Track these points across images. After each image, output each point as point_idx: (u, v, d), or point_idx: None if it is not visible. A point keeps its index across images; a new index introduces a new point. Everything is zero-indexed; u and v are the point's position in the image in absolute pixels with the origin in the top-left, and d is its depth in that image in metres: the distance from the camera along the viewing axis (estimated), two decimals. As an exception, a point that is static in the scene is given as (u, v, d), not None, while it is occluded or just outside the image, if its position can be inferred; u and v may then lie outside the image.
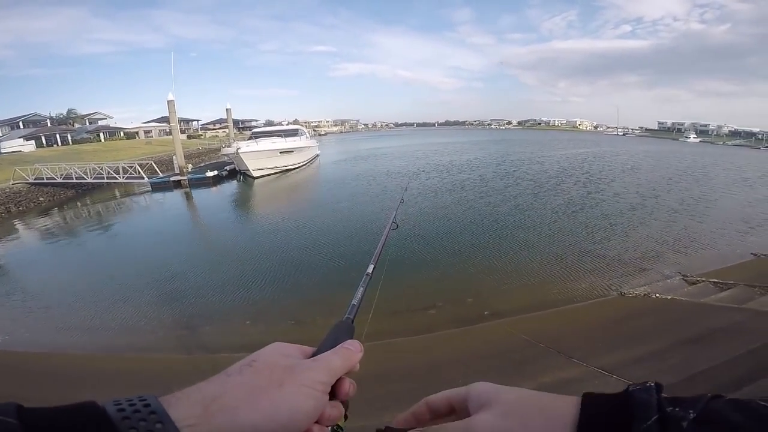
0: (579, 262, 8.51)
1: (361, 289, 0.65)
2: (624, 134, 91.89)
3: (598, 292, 7.01)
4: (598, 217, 12.40)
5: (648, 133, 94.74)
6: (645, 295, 6.26)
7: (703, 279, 6.78)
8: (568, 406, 0.37)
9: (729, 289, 6.18)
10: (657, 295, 6.15)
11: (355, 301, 0.60)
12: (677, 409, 0.33)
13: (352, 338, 0.51)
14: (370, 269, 0.72)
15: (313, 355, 0.47)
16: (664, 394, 0.35)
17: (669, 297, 6.01)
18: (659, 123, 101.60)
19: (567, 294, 6.99)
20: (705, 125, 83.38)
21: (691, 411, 0.32)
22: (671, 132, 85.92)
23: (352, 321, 0.55)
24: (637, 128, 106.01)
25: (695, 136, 70.97)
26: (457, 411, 0.46)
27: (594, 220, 12.06)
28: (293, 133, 28.41)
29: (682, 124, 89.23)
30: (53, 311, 7.49)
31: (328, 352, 0.46)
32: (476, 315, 6.30)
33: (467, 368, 4.25)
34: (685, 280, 7.00)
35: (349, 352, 0.47)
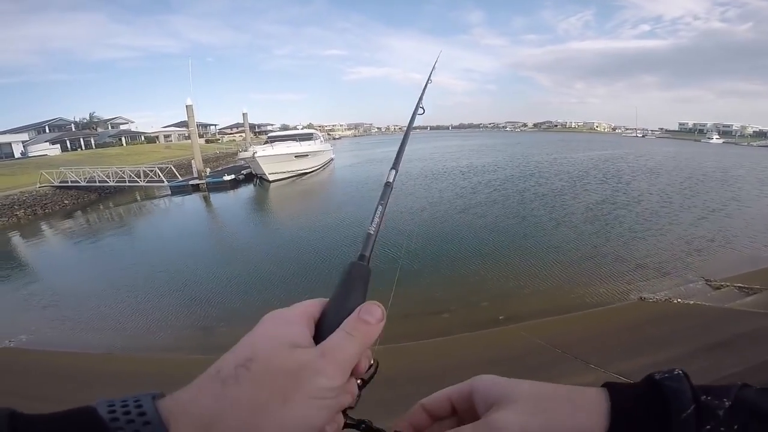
0: (598, 266, 8.35)
1: (380, 208, 0.49)
2: (644, 136, 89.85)
3: (616, 297, 6.86)
4: (619, 220, 12.14)
5: (668, 134, 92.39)
6: (666, 300, 6.11)
7: (728, 283, 6.58)
8: (596, 397, 0.35)
9: (755, 294, 5.98)
10: (679, 300, 6.00)
11: (371, 229, 0.46)
12: (710, 397, 0.32)
13: (367, 289, 0.41)
14: (390, 177, 0.54)
15: (323, 321, 0.39)
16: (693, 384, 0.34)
17: (691, 302, 5.86)
18: (680, 124, 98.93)
19: (585, 299, 6.86)
20: (728, 126, 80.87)
21: (725, 399, 0.31)
22: (693, 133, 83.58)
23: (368, 261, 0.43)
24: (657, 129, 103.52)
25: (718, 136, 68.85)
26: (459, 411, 0.41)
27: (615, 223, 11.82)
28: (308, 137, 28.72)
29: (704, 125, 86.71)
30: (75, 311, 7.72)
31: (340, 333, 0.37)
32: (491, 319, 6.24)
33: (479, 372, 4.18)
34: (709, 285, 6.81)
35: (366, 329, 0.38)
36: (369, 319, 0.38)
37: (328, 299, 0.41)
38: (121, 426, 0.30)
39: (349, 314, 0.38)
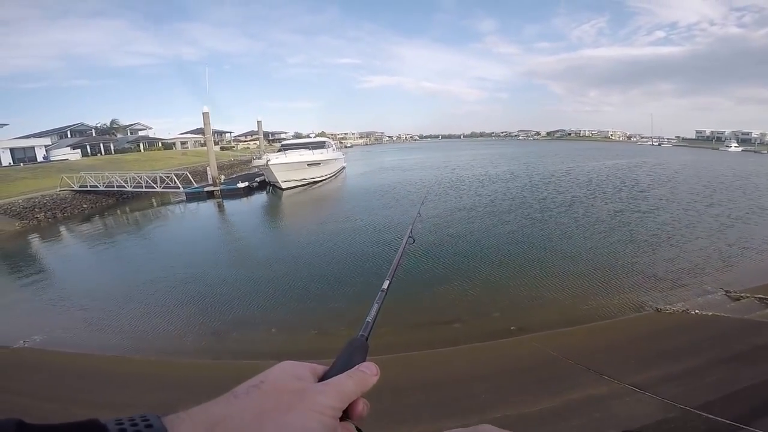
0: (613, 277, 8.21)
1: (376, 305, 0.61)
2: (659, 144, 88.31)
3: (632, 308, 6.73)
4: (635, 230, 11.94)
5: (685, 142, 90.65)
6: (683, 311, 5.97)
7: (748, 295, 6.41)
8: None
9: (776, 306, 5.81)
10: (696, 311, 5.86)
11: (369, 318, 0.57)
12: None
13: (366, 356, 0.49)
14: (385, 285, 0.67)
15: (325, 376, 0.46)
16: None
17: (709, 313, 5.71)
18: (697, 132, 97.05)
19: (599, 310, 6.74)
20: (747, 133, 78.91)
21: None
22: (710, 141, 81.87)
23: (367, 339, 0.53)
24: (673, 137, 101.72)
25: (737, 144, 67.20)
26: None
27: (631, 233, 11.63)
28: (320, 145, 28.95)
29: (722, 133, 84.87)
30: (89, 313, 7.87)
31: (342, 375, 0.45)
32: (502, 330, 6.16)
33: (490, 383, 4.17)
34: (728, 296, 6.64)
35: (364, 376, 0.45)
36: (366, 371, 0.46)
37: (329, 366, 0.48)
38: (125, 428, 0.32)
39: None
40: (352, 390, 0.43)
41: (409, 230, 1.13)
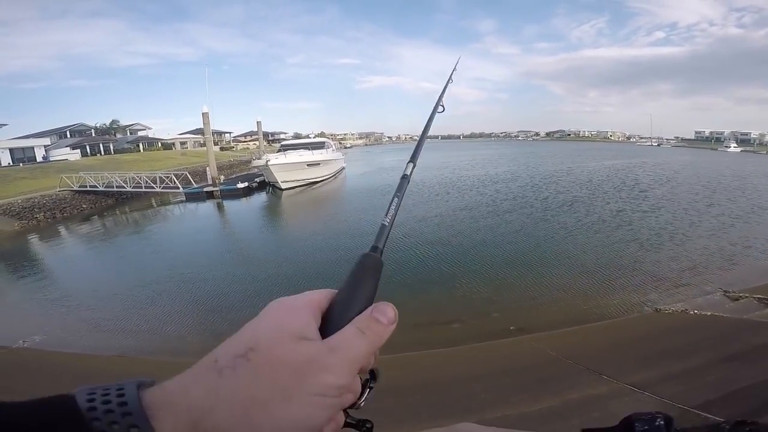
0: (612, 277, 8.22)
1: (396, 200, 0.47)
2: (659, 144, 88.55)
3: (631, 308, 6.75)
4: (635, 230, 11.96)
5: (684, 143, 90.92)
6: (682, 311, 5.98)
7: (747, 295, 6.42)
8: None
9: (775, 306, 5.83)
10: (695, 311, 5.87)
11: (386, 220, 0.44)
12: None
13: (378, 281, 0.40)
14: (408, 170, 0.52)
15: (331, 313, 0.36)
16: (677, 427, 0.32)
17: (708, 313, 5.72)
18: (696, 132, 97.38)
19: (598, 310, 6.75)
20: (746, 134, 79.17)
21: None
22: (709, 141, 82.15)
23: (381, 252, 0.42)
24: (672, 138, 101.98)
25: (736, 145, 67.38)
26: None
27: (630, 233, 11.64)
28: (320, 145, 28.96)
29: (721, 133, 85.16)
30: (89, 313, 7.86)
31: (351, 329, 0.35)
32: (501, 330, 6.16)
33: (489, 383, 4.18)
34: (727, 296, 6.65)
35: (378, 329, 0.36)
36: (382, 319, 0.36)
37: (336, 290, 0.39)
38: (97, 416, 0.28)
39: (360, 308, 0.37)
40: (363, 352, 0.35)
41: (439, 99, 0.76)
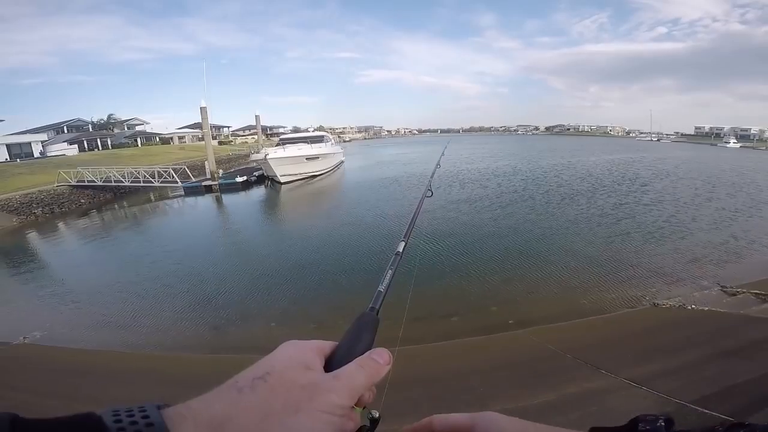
0: (611, 272, 8.26)
1: (390, 272, 0.54)
2: (659, 140, 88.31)
3: (629, 303, 6.78)
4: (633, 225, 11.99)
5: (684, 138, 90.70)
6: (680, 306, 6.00)
7: (744, 290, 6.45)
8: None
9: (772, 301, 5.85)
10: (693, 306, 5.89)
11: (381, 287, 0.50)
12: None
13: (376, 334, 0.46)
14: (400, 248, 0.61)
15: (333, 357, 0.43)
16: (677, 429, 0.34)
17: (706, 308, 5.75)
18: (696, 128, 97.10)
19: (596, 304, 6.79)
20: (746, 130, 79.03)
21: None
22: (709, 137, 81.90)
23: (377, 312, 0.48)
24: (672, 133, 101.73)
25: (735, 141, 67.22)
26: None
27: (629, 228, 11.68)
28: (319, 139, 28.92)
29: (721, 129, 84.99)
30: (89, 309, 7.88)
31: (353, 365, 0.42)
32: (500, 323, 6.20)
33: (488, 376, 4.20)
34: (724, 291, 6.68)
35: (376, 367, 0.42)
36: (379, 359, 0.43)
37: (338, 343, 0.46)
38: (123, 427, 0.30)
39: (359, 354, 0.44)
40: (363, 383, 0.41)
41: (428, 183, 1.00)
